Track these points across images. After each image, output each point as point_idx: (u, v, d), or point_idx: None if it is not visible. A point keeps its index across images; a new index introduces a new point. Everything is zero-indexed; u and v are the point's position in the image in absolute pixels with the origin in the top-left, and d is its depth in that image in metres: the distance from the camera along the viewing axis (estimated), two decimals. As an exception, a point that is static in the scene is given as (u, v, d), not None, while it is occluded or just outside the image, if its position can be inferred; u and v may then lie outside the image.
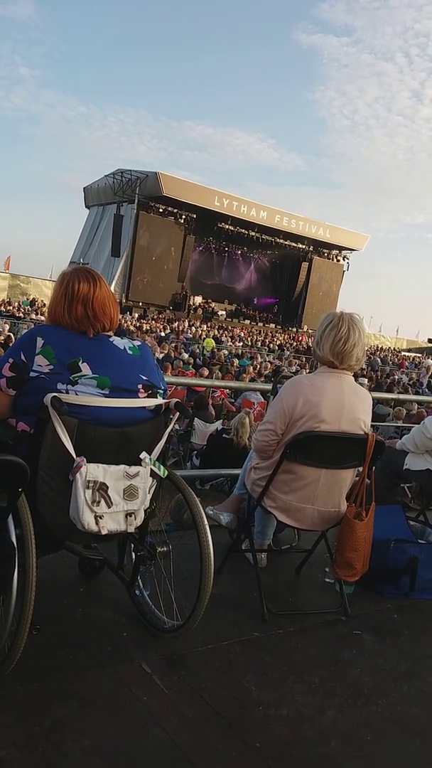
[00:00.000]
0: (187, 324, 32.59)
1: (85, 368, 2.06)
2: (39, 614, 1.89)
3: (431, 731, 2.12)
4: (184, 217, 37.36)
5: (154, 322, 30.42)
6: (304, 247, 42.05)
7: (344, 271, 45.07)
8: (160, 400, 2.24)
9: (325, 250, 43.48)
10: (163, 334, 25.33)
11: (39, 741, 1.75)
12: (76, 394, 2.03)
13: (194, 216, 37.46)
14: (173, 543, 2.38)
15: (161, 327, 28.35)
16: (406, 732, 2.09)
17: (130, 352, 2.21)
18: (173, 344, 20.67)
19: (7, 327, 16.94)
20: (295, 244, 41.67)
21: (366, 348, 2.85)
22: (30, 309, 27.23)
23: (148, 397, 2.20)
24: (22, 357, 2.04)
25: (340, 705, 2.17)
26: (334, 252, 44.13)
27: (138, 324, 27.47)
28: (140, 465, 2.12)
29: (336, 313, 2.78)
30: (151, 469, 2.16)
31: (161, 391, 2.27)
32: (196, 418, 8.16)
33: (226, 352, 20.77)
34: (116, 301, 2.27)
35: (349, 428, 2.73)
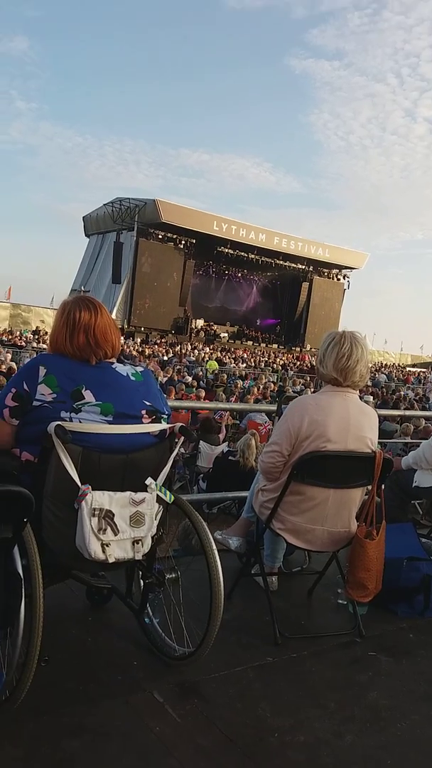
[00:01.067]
0: (189, 347, 32.69)
1: (89, 395, 2.07)
2: (47, 645, 1.87)
3: (452, 754, 2.08)
4: (183, 242, 37.75)
5: (156, 346, 30.53)
6: (303, 267, 42.37)
7: (345, 289, 45.35)
8: (164, 425, 2.23)
9: (325, 270, 43.78)
10: (165, 358, 25.39)
11: (51, 776, 1.71)
12: (80, 422, 2.02)
13: (194, 241, 37.86)
14: (182, 569, 2.36)
15: (164, 351, 28.45)
16: (426, 755, 2.04)
17: (132, 378, 2.21)
18: (176, 368, 20.71)
19: (9, 356, 17.00)
20: (295, 265, 41.99)
21: (369, 365, 2.85)
22: (32, 338, 27.37)
23: (152, 422, 2.19)
24: (25, 386, 2.05)
25: (358, 729, 2.13)
26: (334, 271, 44.43)
27: (141, 349, 27.58)
28: (146, 491, 2.11)
29: (338, 332, 2.79)
30: (158, 495, 2.15)
31: (165, 416, 2.26)
32: (201, 441, 8.13)
33: (225, 375, 20.79)
34: (117, 328, 2.29)
35: (356, 447, 2.71)
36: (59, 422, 1.96)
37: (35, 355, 2.62)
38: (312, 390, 17.30)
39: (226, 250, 39.35)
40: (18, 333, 27.83)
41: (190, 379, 17.99)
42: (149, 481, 2.13)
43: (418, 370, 39.23)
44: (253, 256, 40.19)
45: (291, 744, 2.00)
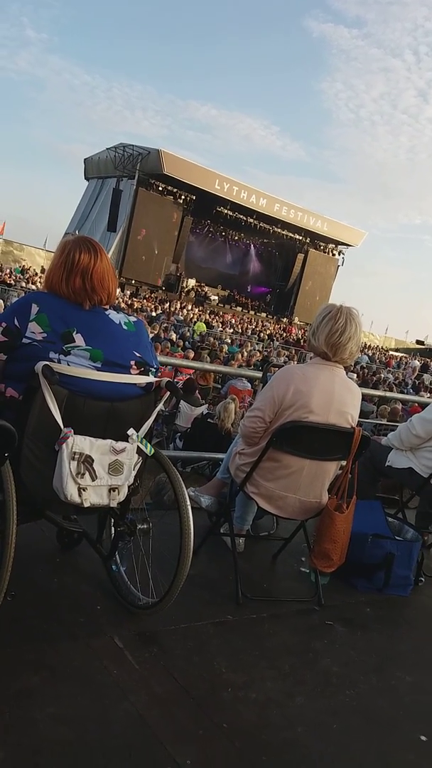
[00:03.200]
0: (178, 306, 32.44)
1: (79, 339, 2.04)
2: (14, 581, 1.88)
3: (396, 723, 2.15)
4: (183, 197, 37.05)
5: (145, 300, 30.23)
6: (301, 238, 41.93)
7: (339, 265, 45.06)
8: (151, 378, 2.22)
9: (321, 243, 43.40)
10: (154, 314, 25.20)
11: (7, 706, 1.74)
12: (68, 365, 2.00)
13: (194, 197, 37.17)
14: (153, 521, 2.38)
15: (152, 306, 28.20)
16: (371, 723, 2.12)
17: (125, 327, 2.18)
18: (163, 325, 20.58)
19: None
20: (293, 235, 41.53)
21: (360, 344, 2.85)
22: (21, 277, 26.91)
23: (140, 374, 2.18)
24: (16, 322, 2.01)
25: (309, 692, 2.19)
26: (331, 246, 44.06)
27: (129, 302, 27.30)
28: (127, 441, 2.10)
29: (335, 305, 2.77)
30: (138, 446, 2.14)
31: (153, 370, 2.24)
32: (182, 401, 8.14)
33: (212, 338, 20.74)
34: (116, 275, 2.24)
35: (336, 421, 2.73)
36: (47, 362, 1.93)
37: (26, 293, 2.56)
38: (296, 363, 17.33)
39: (226, 211, 38.75)
40: (8, 270, 27.31)
41: (176, 338, 17.91)
42: (131, 431, 2.12)
43: (401, 354, 39.47)
44: (251, 220, 39.65)
45: (243, 700, 2.05)
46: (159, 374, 2.30)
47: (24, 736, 1.66)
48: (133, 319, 2.26)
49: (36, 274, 29.49)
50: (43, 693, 1.83)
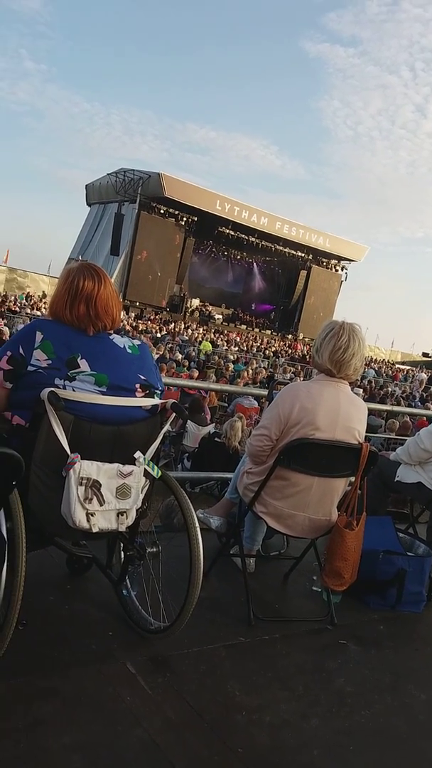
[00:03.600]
0: (183, 326, 32.58)
1: (84, 365, 2.06)
2: (25, 610, 1.88)
3: (413, 743, 2.13)
4: (185, 219, 37.41)
5: (150, 322, 30.40)
6: (303, 255, 42.17)
7: (342, 281, 45.22)
8: (156, 401, 2.23)
9: (324, 260, 43.62)
10: (159, 335, 25.31)
11: (20, 736, 1.73)
12: (74, 390, 2.02)
13: (195, 219, 37.52)
14: (163, 544, 2.38)
15: (157, 328, 28.34)
16: (388, 743, 2.09)
17: (129, 351, 2.20)
18: (169, 346, 20.66)
19: (2, 321, 16.85)
20: (295, 252, 41.78)
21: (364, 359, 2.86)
22: (26, 303, 27.12)
23: (145, 396, 2.19)
24: (21, 350, 2.03)
25: (323, 714, 2.17)
26: (333, 261, 44.27)
27: (134, 324, 27.44)
28: (134, 464, 2.11)
29: (337, 322, 2.78)
30: (145, 469, 2.15)
31: (158, 392, 2.26)
32: (189, 421, 8.15)
33: (217, 357, 20.81)
34: (120, 300, 2.26)
35: (343, 437, 2.73)
36: (53, 389, 1.95)
37: (31, 321, 2.60)
38: (302, 379, 17.34)
39: (227, 231, 39.06)
40: (13, 298, 27.53)
41: (181, 357, 17.97)
42: (138, 454, 2.13)
43: (407, 367, 39.37)
44: (253, 239, 39.95)
45: (257, 723, 2.04)
46: (163, 396, 2.32)
47: (38, 765, 1.65)
48: (137, 342, 2.28)
49: (41, 299, 29.72)
50: (56, 721, 1.82)
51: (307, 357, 28.61)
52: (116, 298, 2.21)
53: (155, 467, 2.19)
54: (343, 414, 2.74)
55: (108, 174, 38.25)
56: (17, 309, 24.01)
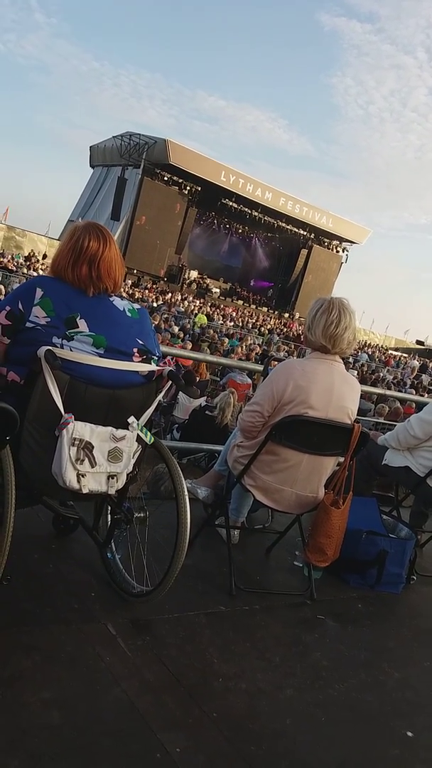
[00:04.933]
0: (180, 297, 32.38)
1: (83, 325, 2.03)
2: (9, 566, 1.89)
3: (383, 718, 2.17)
4: (188, 188, 36.94)
5: (147, 291, 30.17)
6: (305, 233, 41.84)
7: (342, 262, 44.99)
8: (153, 367, 2.22)
9: (326, 240, 43.31)
10: (155, 304, 25.15)
11: (-1, 689, 1.75)
12: (71, 350, 2.00)
13: (199, 188, 37.06)
14: (150, 510, 2.38)
15: (154, 297, 28.14)
16: (359, 717, 2.13)
17: (129, 314, 2.18)
18: (164, 316, 20.55)
19: (-1, 277, 16.67)
20: (297, 230, 41.43)
21: (357, 334, 2.86)
22: (23, 263, 26.80)
23: (142, 361, 2.18)
24: (20, 306, 2.00)
25: (298, 685, 2.20)
26: (335, 242, 43.97)
27: (131, 291, 27.23)
28: (127, 429, 2.11)
29: (326, 298, 2.79)
30: (138, 435, 2.15)
31: (156, 358, 2.25)
32: (180, 392, 8.14)
33: (212, 330, 20.74)
34: (123, 264, 2.23)
35: (336, 416, 2.73)
36: (50, 347, 1.93)
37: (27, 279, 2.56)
38: (295, 357, 17.33)
39: (231, 204, 38.65)
40: (10, 256, 27.17)
41: (176, 329, 17.89)
42: (131, 419, 2.13)
43: (400, 354, 39.45)
44: (256, 213, 39.55)
45: (233, 690, 2.07)
46: (161, 363, 2.30)
47: (15, 718, 1.67)
48: (137, 306, 2.25)
49: (38, 261, 29.39)
50: (35, 676, 1.84)
51: (302, 337, 28.60)
52: (120, 261, 2.18)
53: (148, 433, 2.19)
54: (336, 393, 2.74)
55: (113, 137, 37.60)
56: (14, 268, 23.72)
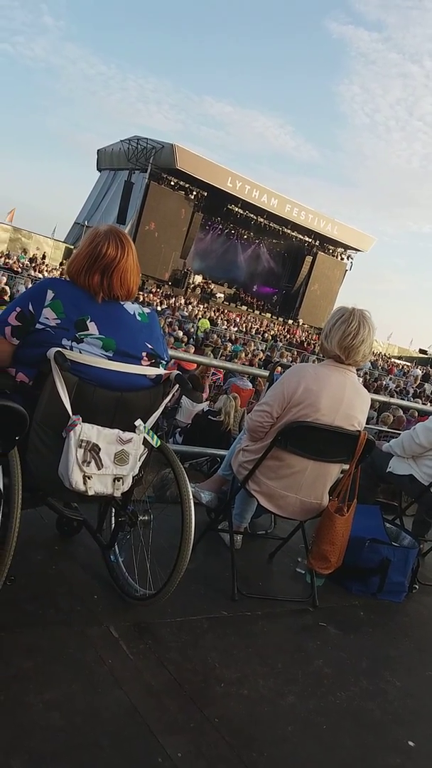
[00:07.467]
0: (184, 302, 32.42)
1: (93, 328, 2.04)
2: (13, 566, 1.88)
3: (384, 727, 2.16)
4: (194, 193, 37.04)
5: (151, 295, 30.21)
6: (310, 240, 41.92)
7: (347, 270, 45.03)
8: (161, 370, 2.22)
9: (330, 247, 43.37)
10: (159, 308, 25.18)
11: (1, 689, 1.75)
12: (81, 353, 2.00)
13: (205, 194, 37.16)
14: (154, 514, 2.38)
15: (158, 301, 28.18)
16: (360, 725, 2.12)
17: (139, 318, 2.19)
18: (168, 320, 20.58)
19: (3, 280, 16.71)
20: (302, 237, 41.50)
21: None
22: (29, 265, 26.87)
23: (150, 365, 2.18)
24: (30, 307, 2.01)
25: (300, 692, 2.20)
26: (339, 250, 44.03)
27: (135, 295, 27.20)
28: (134, 432, 2.11)
29: (348, 308, 2.77)
30: (144, 438, 2.15)
31: (164, 362, 2.25)
32: (184, 396, 8.14)
33: (216, 335, 20.77)
34: (139, 272, 2.23)
35: (342, 424, 2.73)
36: (60, 349, 1.94)
37: (42, 279, 2.57)
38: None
39: (236, 209, 38.73)
40: (15, 258, 27.24)
41: (180, 333, 17.92)
42: (138, 422, 2.13)
43: (403, 363, 39.43)
44: (262, 219, 39.65)
45: (234, 695, 2.06)
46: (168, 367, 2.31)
47: (16, 718, 1.67)
48: (147, 310, 2.26)
49: (43, 262, 29.48)
50: (37, 677, 1.83)
51: (305, 343, 28.64)
52: (137, 270, 2.18)
53: (155, 437, 2.19)
54: (346, 401, 2.74)
55: (121, 141, 37.68)
56: (20, 269, 23.78)
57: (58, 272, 26.06)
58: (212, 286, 41.76)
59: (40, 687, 1.80)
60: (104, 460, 2.01)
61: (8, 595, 2.04)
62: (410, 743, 2.11)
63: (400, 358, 44.00)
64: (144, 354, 2.16)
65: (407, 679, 2.52)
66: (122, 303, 2.16)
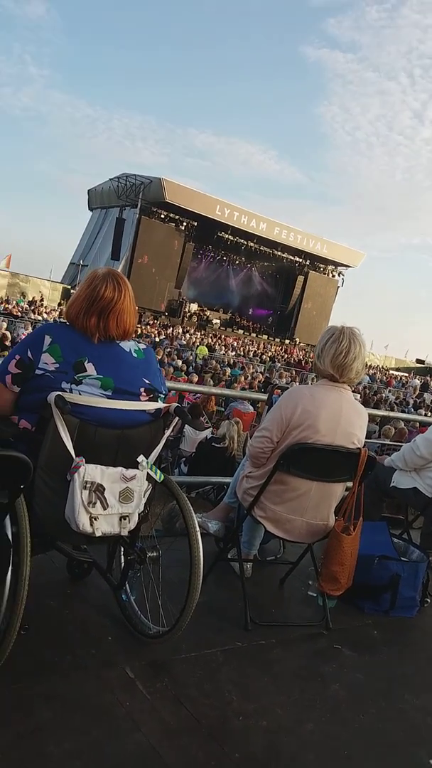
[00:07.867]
0: (181, 330, 32.60)
1: (90, 368, 2.08)
2: (26, 614, 1.89)
3: (407, 748, 2.15)
4: (185, 224, 37.51)
5: (149, 326, 30.39)
6: (300, 260, 42.31)
7: (339, 286, 45.36)
8: (160, 404, 2.26)
9: (321, 265, 43.74)
10: (157, 339, 25.31)
11: (22, 742, 1.75)
12: (80, 394, 2.04)
13: (195, 224, 37.62)
14: (162, 549, 2.40)
15: (156, 332, 28.34)
16: (382, 748, 2.11)
17: (135, 355, 2.23)
18: (167, 350, 20.68)
19: (4, 325, 16.84)
20: (293, 257, 41.90)
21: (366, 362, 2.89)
22: (28, 308, 27.10)
23: (149, 400, 2.22)
24: (29, 354, 2.06)
25: (319, 719, 2.19)
26: (330, 267, 44.40)
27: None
28: (137, 468, 2.14)
29: (337, 327, 2.82)
30: (148, 473, 2.18)
31: (162, 396, 2.29)
32: (186, 425, 8.17)
33: (215, 361, 20.86)
34: (136, 312, 2.28)
35: (343, 442, 2.76)
36: (59, 392, 1.98)
37: (40, 324, 2.62)
38: (297, 384, 17.35)
39: (227, 236, 39.17)
40: (14, 303, 27.47)
41: (180, 362, 17.99)
42: (141, 458, 2.16)
43: (401, 374, 39.42)
44: (252, 244, 40.07)
45: (254, 728, 2.06)
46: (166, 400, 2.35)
47: (38, 768, 1.67)
48: (142, 346, 2.30)
49: (41, 304, 29.78)
50: (56, 726, 1.84)
51: (303, 362, 28.70)
52: (133, 311, 2.23)
53: (158, 471, 2.22)
54: (344, 419, 2.76)
55: (110, 179, 38.30)
56: (19, 314, 23.97)
57: (57, 312, 26.31)
58: (208, 312, 42.02)
59: (60, 736, 1.80)
60: (109, 499, 2.04)
61: (23, 644, 2.05)
62: (431, 762, 2.10)
63: (397, 369, 44.01)
64: (142, 389, 2.20)
65: (425, 696, 2.51)
66: (118, 342, 2.21)
